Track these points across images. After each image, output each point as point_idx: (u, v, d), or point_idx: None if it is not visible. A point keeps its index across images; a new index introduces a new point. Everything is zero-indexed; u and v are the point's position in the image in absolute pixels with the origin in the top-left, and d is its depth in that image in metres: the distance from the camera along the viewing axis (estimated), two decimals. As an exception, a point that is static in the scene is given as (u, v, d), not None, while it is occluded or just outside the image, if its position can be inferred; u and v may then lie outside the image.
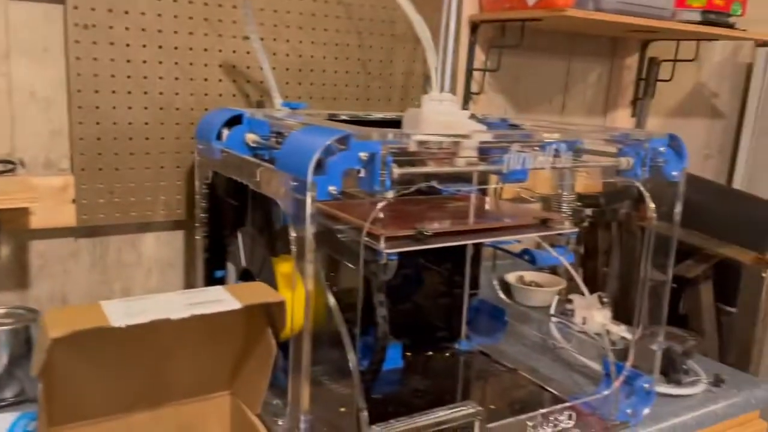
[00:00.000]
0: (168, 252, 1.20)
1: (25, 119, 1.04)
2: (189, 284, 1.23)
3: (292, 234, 0.74)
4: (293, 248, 0.74)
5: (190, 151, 1.15)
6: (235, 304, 0.72)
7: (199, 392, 0.86)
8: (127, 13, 1.06)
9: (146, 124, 1.11)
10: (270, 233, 0.99)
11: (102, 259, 1.14)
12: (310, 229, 0.71)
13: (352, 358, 0.77)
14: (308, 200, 0.70)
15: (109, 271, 1.15)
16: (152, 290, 1.20)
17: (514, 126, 1.12)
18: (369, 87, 1.32)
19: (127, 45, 1.07)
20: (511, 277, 1.46)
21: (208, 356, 0.84)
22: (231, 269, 1.02)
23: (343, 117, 1.09)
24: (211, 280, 1.07)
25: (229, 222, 1.06)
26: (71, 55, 1.04)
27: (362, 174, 0.73)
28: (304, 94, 1.25)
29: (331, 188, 0.71)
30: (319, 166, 0.70)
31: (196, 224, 1.08)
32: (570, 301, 1.23)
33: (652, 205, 0.94)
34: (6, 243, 1.06)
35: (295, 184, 0.72)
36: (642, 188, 0.93)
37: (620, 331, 1.11)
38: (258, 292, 0.78)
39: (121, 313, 0.66)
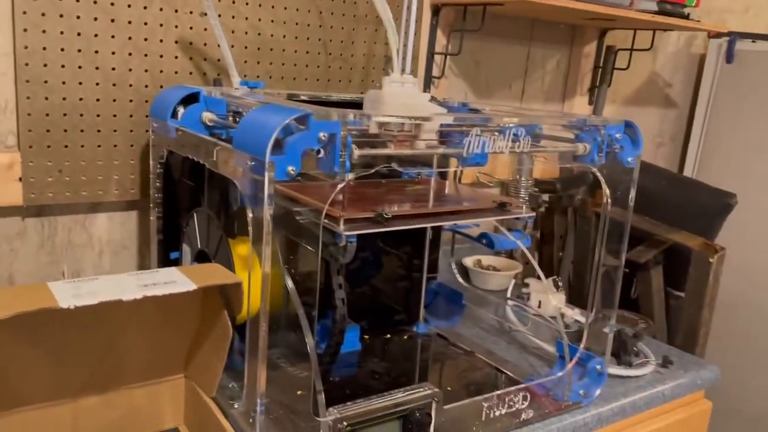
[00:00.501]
0: (121, 233, 1.17)
1: (-33, 92, 1.00)
2: (143, 266, 1.20)
3: (250, 215, 0.73)
4: (250, 230, 0.73)
5: (145, 129, 1.12)
6: (189, 286, 0.71)
7: (153, 375, 0.85)
8: (77, -16, 1.02)
9: (98, 100, 1.08)
10: (227, 214, 0.97)
11: (51, 240, 1.11)
12: (267, 210, 0.70)
13: (309, 341, 0.76)
14: (266, 180, 0.69)
15: (58, 251, 1.12)
16: (104, 272, 1.17)
17: (475, 110, 1.12)
18: (330, 68, 1.30)
19: (78, 17, 1.03)
20: (469, 261, 1.47)
21: (162, 339, 0.82)
22: (186, 251, 1.00)
23: (303, 97, 1.07)
24: (166, 262, 1.05)
25: (184, 202, 1.04)
26: (18, 26, 0.99)
27: (322, 155, 0.72)
28: (263, 73, 1.23)
29: (290, 168, 0.70)
30: (278, 146, 0.69)
31: (151, 204, 1.05)
32: (526, 285, 1.24)
33: (608, 191, 0.95)
34: (-52, 222, 1.02)
35: (252, 163, 0.71)
36: (598, 174, 0.94)
37: (574, 314, 1.14)
38: (214, 274, 0.77)
39: (70, 294, 0.64)
